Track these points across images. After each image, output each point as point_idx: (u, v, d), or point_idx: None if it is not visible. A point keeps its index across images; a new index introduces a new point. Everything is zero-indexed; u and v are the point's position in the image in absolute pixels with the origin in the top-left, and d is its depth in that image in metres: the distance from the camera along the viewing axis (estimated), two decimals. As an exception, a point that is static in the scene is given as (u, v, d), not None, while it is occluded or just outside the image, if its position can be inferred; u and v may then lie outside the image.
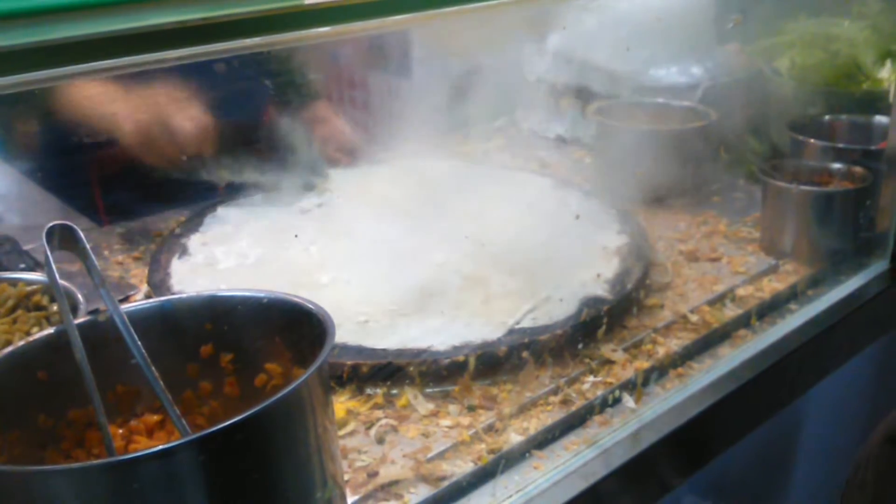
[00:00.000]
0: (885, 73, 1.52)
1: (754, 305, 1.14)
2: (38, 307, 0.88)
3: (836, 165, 1.30)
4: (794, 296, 1.19)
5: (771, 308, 1.16)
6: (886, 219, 1.26)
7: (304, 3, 0.60)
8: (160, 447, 0.56)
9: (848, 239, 1.25)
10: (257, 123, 1.40)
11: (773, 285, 1.20)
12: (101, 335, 0.71)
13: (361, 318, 1.03)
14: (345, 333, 1.00)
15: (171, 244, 1.24)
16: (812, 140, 1.37)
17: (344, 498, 0.72)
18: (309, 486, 0.66)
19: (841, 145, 1.35)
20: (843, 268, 1.25)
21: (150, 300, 0.79)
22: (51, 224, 0.70)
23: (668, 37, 1.64)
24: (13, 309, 0.86)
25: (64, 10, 0.57)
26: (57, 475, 0.58)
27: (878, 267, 1.27)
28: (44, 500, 0.57)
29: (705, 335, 1.07)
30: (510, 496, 0.83)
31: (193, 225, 1.30)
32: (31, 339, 0.72)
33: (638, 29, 1.63)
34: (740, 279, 1.21)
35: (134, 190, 1.41)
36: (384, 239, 1.17)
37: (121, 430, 0.75)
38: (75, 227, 0.72)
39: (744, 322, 1.12)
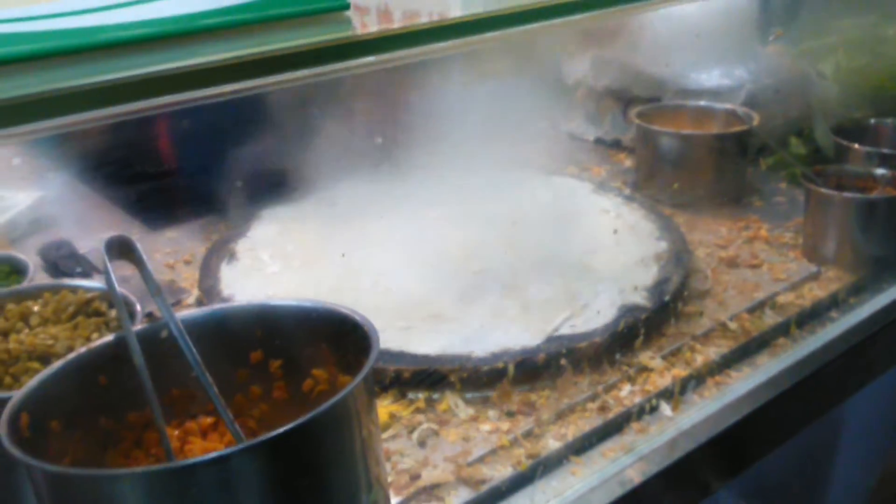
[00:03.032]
0: (932, 76, 1.50)
1: (794, 313, 1.14)
2: (98, 313, 0.91)
3: (881, 171, 1.29)
4: (835, 304, 1.19)
5: (812, 316, 1.16)
6: (930, 226, 1.24)
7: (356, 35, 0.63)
8: (219, 453, 0.59)
9: (892, 246, 1.24)
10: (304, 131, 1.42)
11: (814, 293, 1.20)
12: (157, 342, 0.74)
13: (403, 325, 1.06)
14: (387, 339, 1.02)
15: (219, 249, 1.28)
16: (856, 145, 1.36)
17: (388, 500, 0.75)
18: (356, 489, 0.68)
19: (886, 150, 1.34)
20: (886, 275, 1.24)
21: (204, 308, 0.82)
22: (110, 236, 0.74)
23: (712, 39, 1.64)
24: (74, 315, 0.91)
25: (122, 44, 0.60)
26: (121, 479, 0.61)
27: (923, 275, 1.26)
28: (107, 501, 0.60)
29: (744, 343, 1.08)
30: (548, 501, 0.85)
31: (241, 230, 1.33)
32: (92, 345, 0.76)
33: (681, 31, 1.63)
34: (781, 286, 1.20)
35: (184, 196, 1.45)
36: (424, 245, 1.20)
37: (176, 432, 0.79)
38: (132, 239, 0.75)
39: (783, 330, 1.12)
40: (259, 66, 0.58)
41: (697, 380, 1.02)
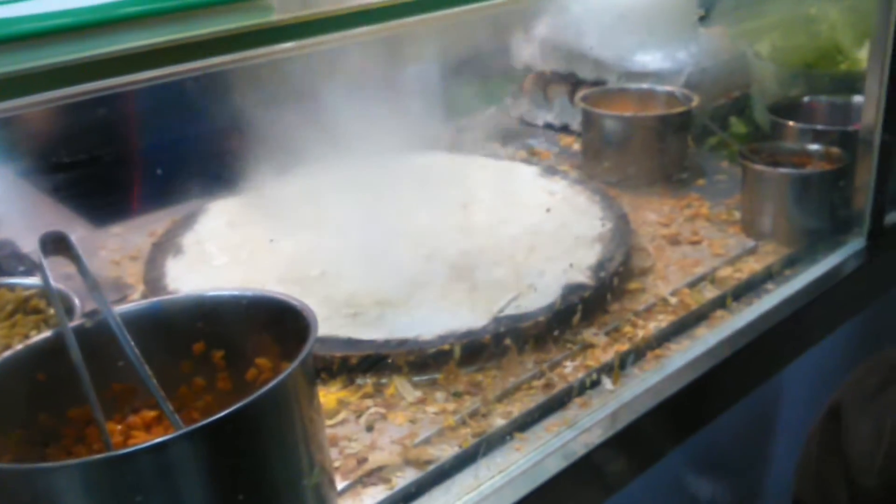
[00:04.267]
0: (863, 53, 1.53)
1: (732, 287, 1.17)
2: (36, 311, 0.91)
3: (814, 147, 1.32)
4: (770, 276, 1.22)
5: (748, 288, 1.19)
6: (862, 198, 1.28)
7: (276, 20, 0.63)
8: (155, 441, 0.60)
9: (825, 219, 1.28)
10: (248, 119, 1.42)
11: (751, 266, 1.23)
12: (96, 336, 0.73)
13: (351, 311, 1.07)
14: (335, 326, 1.03)
15: (165, 243, 1.27)
16: (791, 122, 1.39)
17: (332, 483, 0.76)
18: (296, 473, 0.69)
19: (819, 127, 1.37)
20: (820, 247, 1.28)
21: (142, 301, 0.82)
22: (44, 233, 0.74)
23: (654, 21, 1.66)
24: (12, 313, 0.90)
25: (46, 34, 0.60)
26: (58, 471, 0.61)
27: (855, 245, 1.29)
28: (47, 496, 0.60)
29: (683, 317, 1.10)
30: (492, 477, 0.86)
31: (187, 223, 1.33)
32: (29, 342, 0.75)
33: (623, 14, 1.66)
34: (720, 261, 1.23)
35: (128, 191, 1.44)
36: (373, 232, 1.20)
37: (119, 427, 0.79)
38: (67, 234, 0.75)
39: (721, 303, 1.16)
40: (179, 52, 0.58)
41: (637, 354, 1.04)
